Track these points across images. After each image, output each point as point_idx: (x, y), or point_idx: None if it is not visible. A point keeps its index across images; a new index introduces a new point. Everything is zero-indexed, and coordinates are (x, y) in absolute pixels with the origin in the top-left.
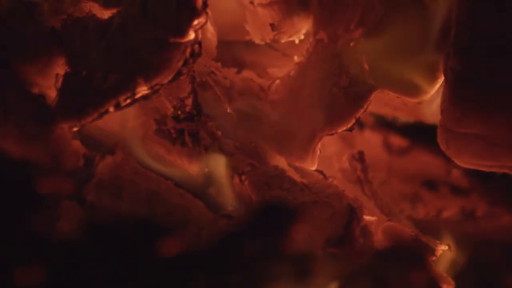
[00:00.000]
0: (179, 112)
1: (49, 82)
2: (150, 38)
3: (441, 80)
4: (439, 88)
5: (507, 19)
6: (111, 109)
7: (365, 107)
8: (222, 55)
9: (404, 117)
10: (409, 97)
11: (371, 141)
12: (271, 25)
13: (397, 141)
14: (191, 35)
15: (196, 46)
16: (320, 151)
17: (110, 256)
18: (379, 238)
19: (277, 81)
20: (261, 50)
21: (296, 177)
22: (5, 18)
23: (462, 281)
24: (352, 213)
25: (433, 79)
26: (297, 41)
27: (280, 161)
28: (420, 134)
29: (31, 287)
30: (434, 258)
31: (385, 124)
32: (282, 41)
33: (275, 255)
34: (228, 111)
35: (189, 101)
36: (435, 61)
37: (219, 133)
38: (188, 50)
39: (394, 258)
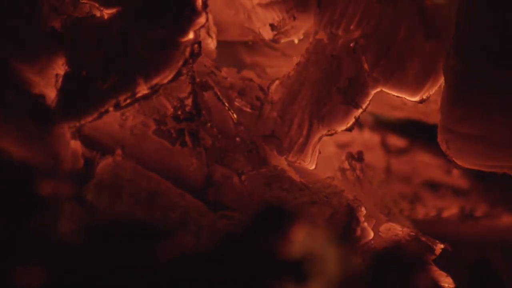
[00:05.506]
0: (179, 112)
1: (49, 82)
2: (150, 38)
3: (441, 80)
4: (439, 88)
5: (507, 20)
6: (111, 109)
7: (364, 107)
8: (222, 55)
9: (403, 117)
10: (408, 97)
11: (370, 141)
12: (271, 25)
13: (397, 141)
14: (191, 35)
15: (196, 46)
16: (320, 151)
17: (110, 257)
18: (378, 238)
19: (277, 81)
20: (261, 50)
21: (296, 177)
22: (5, 18)
23: (462, 281)
24: (352, 213)
25: (433, 79)
26: (296, 41)
27: (280, 161)
28: (419, 134)
29: (31, 287)
30: (433, 257)
31: (384, 124)
32: (282, 41)
33: (275, 256)
34: (228, 111)
35: (189, 101)
36: (435, 61)
37: (219, 133)
38: (188, 50)
39: (394, 258)
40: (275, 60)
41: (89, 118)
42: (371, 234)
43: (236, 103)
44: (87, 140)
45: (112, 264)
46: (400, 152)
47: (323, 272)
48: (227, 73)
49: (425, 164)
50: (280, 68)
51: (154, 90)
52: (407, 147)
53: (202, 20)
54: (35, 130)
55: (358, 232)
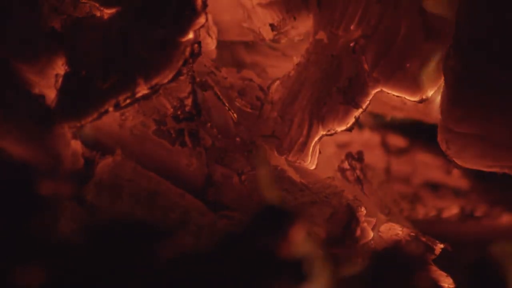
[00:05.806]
0: (179, 112)
1: (49, 82)
2: (150, 38)
3: (441, 80)
4: (439, 88)
5: (507, 20)
6: (111, 109)
7: (364, 107)
8: (222, 55)
9: (403, 117)
10: (408, 97)
11: (370, 141)
12: (271, 25)
13: (397, 141)
14: (191, 35)
15: (196, 46)
16: (320, 151)
17: (110, 257)
18: (378, 238)
19: (277, 81)
20: (261, 50)
21: (296, 177)
22: (5, 18)
23: (462, 281)
24: (352, 213)
25: (433, 79)
26: (296, 41)
27: (280, 161)
28: (419, 134)
29: (31, 287)
30: (433, 257)
31: (384, 124)
32: (282, 41)
33: (275, 256)
34: (228, 111)
35: (189, 101)
36: (435, 61)
37: (219, 133)
38: (188, 50)
39: (394, 258)
40: (275, 60)
41: (89, 118)
42: (371, 234)
43: (236, 103)
44: (87, 140)
45: (112, 264)
46: (400, 152)
47: (323, 272)
48: (227, 73)
49: (425, 164)
50: (280, 68)
51: (154, 90)
52: (407, 147)
53: (202, 20)
54: (35, 130)
55: (358, 232)
